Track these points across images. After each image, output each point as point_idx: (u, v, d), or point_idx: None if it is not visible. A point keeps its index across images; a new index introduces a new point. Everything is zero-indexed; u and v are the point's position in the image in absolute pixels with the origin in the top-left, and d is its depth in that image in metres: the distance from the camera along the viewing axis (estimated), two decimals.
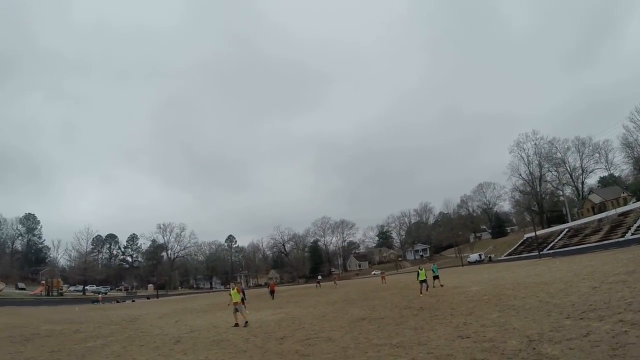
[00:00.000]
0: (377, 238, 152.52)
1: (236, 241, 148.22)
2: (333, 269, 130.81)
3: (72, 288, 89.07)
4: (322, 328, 14.56)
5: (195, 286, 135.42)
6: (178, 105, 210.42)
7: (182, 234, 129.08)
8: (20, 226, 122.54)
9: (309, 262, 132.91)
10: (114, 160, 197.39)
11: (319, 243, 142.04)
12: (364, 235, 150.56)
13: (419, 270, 25.26)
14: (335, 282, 68.97)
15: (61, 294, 72.15)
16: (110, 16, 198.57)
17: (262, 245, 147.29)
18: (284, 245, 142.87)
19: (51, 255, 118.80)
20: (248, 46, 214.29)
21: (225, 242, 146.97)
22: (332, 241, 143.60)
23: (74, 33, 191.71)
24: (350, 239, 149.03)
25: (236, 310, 17.96)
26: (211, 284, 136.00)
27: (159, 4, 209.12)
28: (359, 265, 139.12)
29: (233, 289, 18.80)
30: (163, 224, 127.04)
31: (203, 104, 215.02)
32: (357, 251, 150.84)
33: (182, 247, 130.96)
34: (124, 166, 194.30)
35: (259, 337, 13.74)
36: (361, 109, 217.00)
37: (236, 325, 17.37)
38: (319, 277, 77.08)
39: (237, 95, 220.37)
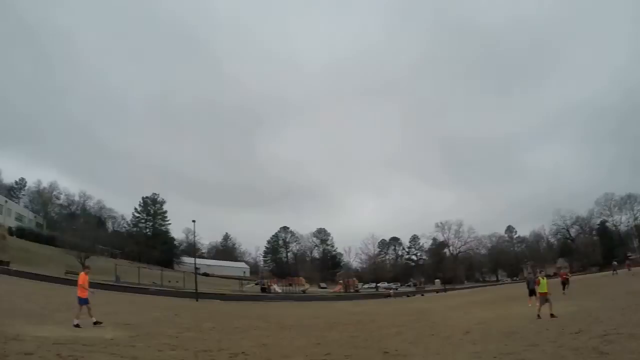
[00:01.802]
0: None
1: (516, 231, 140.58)
2: (629, 253, 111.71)
3: (365, 285, 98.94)
4: (623, 323, 13.01)
5: (481, 279, 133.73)
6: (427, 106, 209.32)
7: (460, 229, 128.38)
8: (314, 239, 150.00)
9: (599, 247, 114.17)
10: (382, 169, 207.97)
11: (607, 224, 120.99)
12: None
13: None
14: (629, 268, 59.97)
15: (357, 291, 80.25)
16: None
17: (545, 233, 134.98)
18: (568, 231, 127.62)
19: (344, 260, 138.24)
20: None
21: (505, 233, 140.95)
22: (622, 220, 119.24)
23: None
24: None
25: (546, 300, 17.37)
26: (497, 276, 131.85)
27: None
28: None
29: (543, 279, 18.34)
30: (441, 222, 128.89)
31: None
32: None
33: (463, 243, 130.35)
34: (393, 173, 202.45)
35: (551, 330, 13.17)
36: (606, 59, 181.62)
37: (538, 317, 16.86)
38: (614, 264, 67.53)
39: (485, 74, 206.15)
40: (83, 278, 15.02)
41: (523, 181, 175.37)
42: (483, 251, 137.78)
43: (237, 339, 13.92)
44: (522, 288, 41.95)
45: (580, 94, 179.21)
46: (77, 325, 13.61)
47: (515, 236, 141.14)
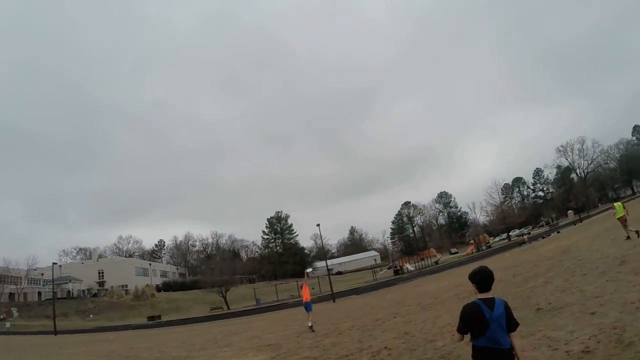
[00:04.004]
0: None
1: None
2: None
3: (497, 238, 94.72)
4: None
5: (615, 197, 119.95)
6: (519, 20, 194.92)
7: (583, 147, 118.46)
8: (437, 205, 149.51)
9: None
10: (489, 110, 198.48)
11: None
12: None
13: None
14: None
15: (489, 246, 77.01)
16: None
17: None
18: None
19: (471, 217, 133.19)
20: None
21: (632, 135, 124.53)
22: None
23: None
24: None
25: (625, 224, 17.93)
26: (632, 189, 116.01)
27: None
28: None
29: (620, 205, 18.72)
30: (562, 146, 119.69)
31: None
32: None
33: (590, 161, 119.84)
34: (501, 111, 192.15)
35: None
36: None
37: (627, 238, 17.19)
38: None
39: None
40: (306, 288, 20.13)
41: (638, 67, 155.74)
42: (613, 164, 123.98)
43: (377, 334, 13.20)
44: None
45: None
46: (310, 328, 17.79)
47: None
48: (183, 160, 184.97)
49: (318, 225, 53.45)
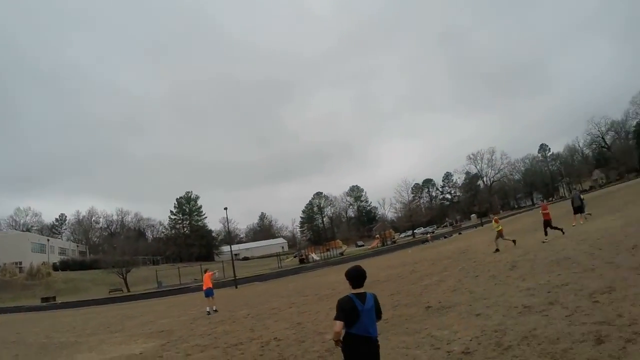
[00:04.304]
0: None
1: (549, 149, 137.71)
2: None
3: (402, 235, 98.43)
4: None
5: (516, 206, 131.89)
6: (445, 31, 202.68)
7: (492, 157, 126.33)
8: (348, 198, 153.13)
9: (636, 152, 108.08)
10: (410, 109, 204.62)
11: None
12: None
13: None
14: None
15: (394, 242, 79.66)
16: None
17: (579, 145, 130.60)
18: (603, 139, 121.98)
19: (380, 213, 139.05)
20: None
21: (539, 152, 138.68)
22: None
23: None
24: None
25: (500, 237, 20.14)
26: (532, 200, 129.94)
27: None
28: None
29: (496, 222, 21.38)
30: (472, 154, 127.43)
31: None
32: None
33: (497, 171, 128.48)
34: (423, 112, 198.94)
35: (604, 249, 12.01)
36: None
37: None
38: None
39: None
40: (208, 276, 20.75)
41: (555, 94, 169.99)
42: (517, 176, 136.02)
43: (270, 323, 13.23)
44: (559, 207, 40.48)
45: None
46: (210, 312, 18.71)
47: (549, 154, 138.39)
48: (93, 130, 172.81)
49: (225, 208, 52.63)
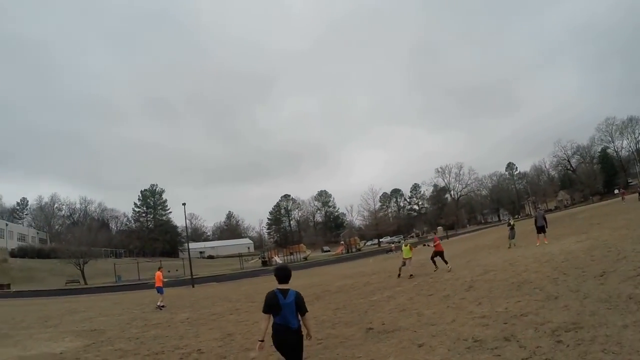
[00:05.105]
0: None
1: (516, 168, 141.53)
2: (631, 180, 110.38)
3: (368, 242, 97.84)
4: None
5: (483, 221, 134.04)
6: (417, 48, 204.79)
7: (460, 172, 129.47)
8: (316, 202, 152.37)
9: (600, 176, 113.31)
10: (380, 119, 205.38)
11: (608, 150, 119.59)
12: None
13: None
14: (623, 198, 59.54)
15: (359, 250, 79.06)
16: None
17: (545, 166, 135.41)
18: (568, 161, 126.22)
19: (347, 219, 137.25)
20: None
21: (506, 170, 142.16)
22: (623, 145, 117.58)
23: None
24: None
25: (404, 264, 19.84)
26: (499, 216, 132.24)
27: None
28: None
29: (406, 246, 20.52)
30: (441, 167, 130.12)
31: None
32: None
33: (464, 185, 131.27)
34: (392, 125, 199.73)
35: (569, 274, 11.05)
36: None
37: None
38: (621, 190, 66.90)
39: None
40: (159, 275, 21.73)
41: (523, 114, 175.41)
42: (484, 192, 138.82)
43: (203, 330, 12.42)
44: (525, 226, 40.16)
45: (582, 17, 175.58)
46: (159, 307, 19.82)
47: (515, 172, 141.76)
48: (58, 111, 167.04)
49: (184, 204, 50.76)
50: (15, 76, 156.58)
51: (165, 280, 22.44)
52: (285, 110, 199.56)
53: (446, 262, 18.97)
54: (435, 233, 38.67)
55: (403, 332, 8.65)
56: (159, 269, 22.84)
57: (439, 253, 19.48)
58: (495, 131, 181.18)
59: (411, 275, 18.99)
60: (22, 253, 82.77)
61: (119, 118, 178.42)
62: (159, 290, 20.92)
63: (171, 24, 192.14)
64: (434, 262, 19.72)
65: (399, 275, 19.57)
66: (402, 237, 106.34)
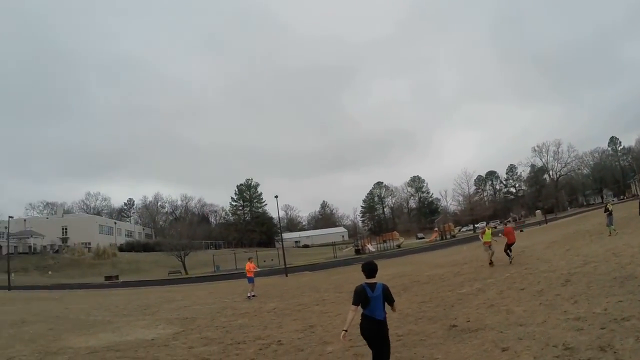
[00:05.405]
0: None
1: (620, 142, 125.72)
2: None
3: (464, 229, 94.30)
4: None
5: (585, 203, 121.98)
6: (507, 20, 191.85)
7: (559, 150, 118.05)
8: (409, 188, 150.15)
9: None
10: (470, 98, 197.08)
11: None
12: None
13: None
14: None
15: (453, 236, 76.41)
16: None
17: None
18: None
19: (442, 205, 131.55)
20: None
21: (609, 145, 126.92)
22: None
23: None
24: None
25: (488, 249, 19.36)
26: (602, 197, 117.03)
27: None
28: None
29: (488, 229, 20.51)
30: (537, 146, 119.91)
31: None
32: None
33: (563, 164, 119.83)
34: (483, 103, 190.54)
35: None
36: None
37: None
38: None
39: None
40: (249, 265, 22.69)
41: (627, 81, 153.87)
42: (585, 171, 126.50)
43: (287, 321, 12.61)
44: (630, 209, 36.73)
45: None
46: (250, 297, 20.54)
47: (620, 148, 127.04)
48: (156, 118, 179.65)
49: (276, 197, 51.72)
50: (118, 89, 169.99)
51: (256, 270, 23.36)
52: (373, 97, 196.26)
53: (509, 255, 18.84)
54: (507, 223, 36.28)
55: (488, 331, 8.05)
56: (249, 259, 23.90)
57: (510, 245, 19.16)
58: (595, 102, 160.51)
59: (491, 262, 19.04)
60: (129, 247, 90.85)
61: (211, 117, 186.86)
62: (250, 280, 21.88)
63: (254, 24, 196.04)
64: (508, 254, 19.08)
65: (491, 263, 19.06)
66: (498, 222, 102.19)
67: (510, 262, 18.48)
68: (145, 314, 17.78)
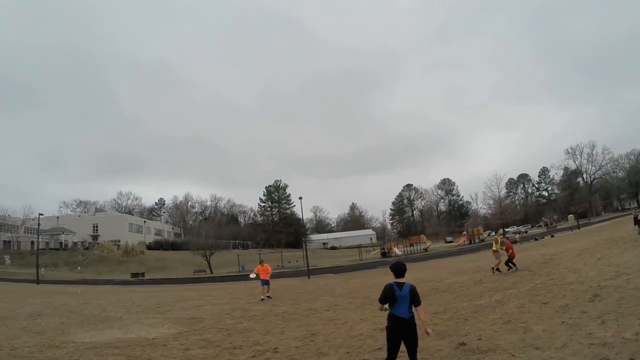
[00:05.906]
0: None
1: None
2: None
3: (492, 233, 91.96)
4: None
5: (619, 208, 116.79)
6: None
7: (593, 152, 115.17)
8: (439, 191, 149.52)
9: None
10: (501, 100, 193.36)
11: None
12: None
13: None
14: None
15: (482, 241, 74.65)
16: None
17: None
18: None
19: (472, 208, 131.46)
20: None
21: None
22: None
23: None
24: None
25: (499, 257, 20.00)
26: (637, 202, 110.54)
27: None
28: None
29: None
30: (571, 148, 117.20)
31: None
32: None
33: (597, 167, 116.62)
34: (516, 104, 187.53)
35: None
36: None
37: None
38: None
39: None
40: (260, 268, 21.94)
41: None
42: (621, 174, 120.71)
43: (292, 327, 12.03)
44: None
45: None
46: (264, 298, 20.21)
47: None
48: (187, 121, 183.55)
49: (300, 198, 51.59)
50: (147, 93, 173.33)
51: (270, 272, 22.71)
52: (404, 99, 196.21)
53: (509, 267, 19.46)
54: (508, 238, 34.69)
55: (498, 354, 7.04)
56: (261, 262, 23.11)
57: (511, 258, 19.49)
58: (632, 102, 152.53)
59: (498, 269, 19.63)
60: (157, 245, 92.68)
61: (242, 120, 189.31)
62: (264, 283, 21.37)
63: (287, 31, 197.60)
64: (509, 266, 19.61)
65: (510, 268, 19.56)
66: (529, 226, 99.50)
67: (515, 270, 19.18)
68: (157, 312, 17.82)
